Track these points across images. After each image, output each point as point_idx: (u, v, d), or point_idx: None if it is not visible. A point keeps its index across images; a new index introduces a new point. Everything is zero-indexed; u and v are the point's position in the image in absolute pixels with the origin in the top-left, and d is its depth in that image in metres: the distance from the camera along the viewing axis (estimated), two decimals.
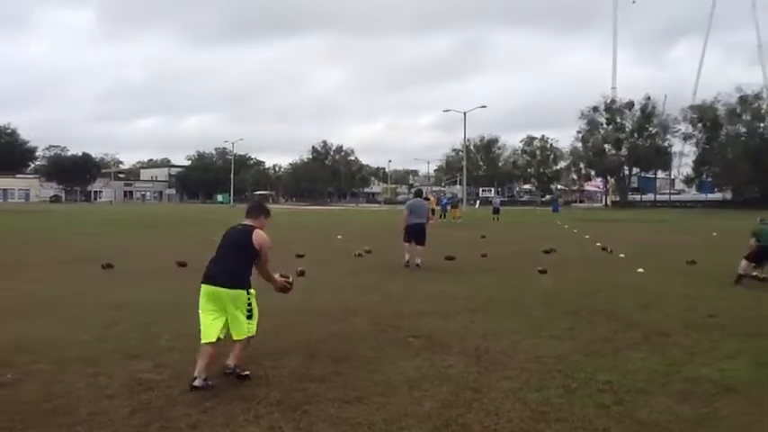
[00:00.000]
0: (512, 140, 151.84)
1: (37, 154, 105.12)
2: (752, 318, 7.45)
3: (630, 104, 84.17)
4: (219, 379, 4.68)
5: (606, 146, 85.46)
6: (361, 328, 6.80)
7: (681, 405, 4.31)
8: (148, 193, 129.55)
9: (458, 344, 6.02)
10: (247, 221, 5.13)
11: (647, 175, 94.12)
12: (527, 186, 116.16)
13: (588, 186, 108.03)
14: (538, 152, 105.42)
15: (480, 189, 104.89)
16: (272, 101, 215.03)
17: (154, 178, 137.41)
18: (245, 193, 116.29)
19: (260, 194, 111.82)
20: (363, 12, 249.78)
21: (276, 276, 5.27)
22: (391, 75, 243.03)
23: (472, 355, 5.62)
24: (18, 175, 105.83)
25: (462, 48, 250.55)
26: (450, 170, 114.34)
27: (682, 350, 5.85)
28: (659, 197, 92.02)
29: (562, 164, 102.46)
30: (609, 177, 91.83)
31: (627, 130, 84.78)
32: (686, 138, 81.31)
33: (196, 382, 4.53)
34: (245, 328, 4.80)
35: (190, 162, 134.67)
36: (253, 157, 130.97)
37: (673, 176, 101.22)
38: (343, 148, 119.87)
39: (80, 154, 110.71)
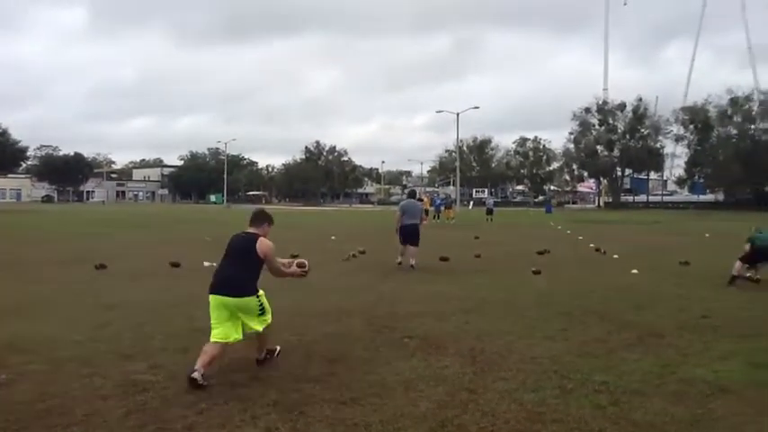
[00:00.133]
0: (504, 141, 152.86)
1: (28, 154, 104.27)
2: (745, 319, 7.49)
3: (622, 106, 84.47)
4: (215, 380, 4.67)
5: (598, 147, 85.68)
6: (355, 328, 6.80)
7: (676, 406, 4.33)
8: (141, 194, 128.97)
9: (453, 344, 6.03)
10: (251, 229, 5.21)
11: (640, 177, 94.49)
12: (520, 187, 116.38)
13: (581, 187, 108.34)
14: (531, 153, 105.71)
15: (473, 190, 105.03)
16: (264, 101, 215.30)
17: (146, 178, 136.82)
18: (238, 193, 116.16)
19: (253, 195, 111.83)
20: (357, 12, 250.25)
21: (291, 269, 5.46)
22: (385, 75, 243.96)
23: (467, 355, 5.63)
24: (9, 175, 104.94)
25: (456, 49, 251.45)
26: (443, 171, 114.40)
27: (675, 351, 5.87)
28: (652, 198, 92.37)
29: (555, 165, 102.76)
30: (601, 178, 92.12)
31: (619, 131, 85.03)
32: (678, 139, 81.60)
33: (195, 375, 4.50)
34: (260, 321, 5.01)
35: (182, 162, 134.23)
36: (246, 157, 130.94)
37: (665, 178, 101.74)
38: (337, 149, 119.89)
39: (72, 154, 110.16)
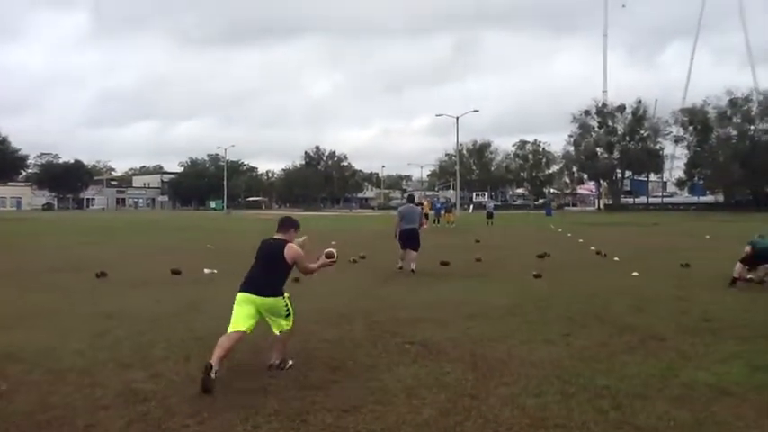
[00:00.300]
0: (504, 145, 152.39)
1: (28, 162, 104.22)
2: (746, 321, 7.46)
3: (622, 108, 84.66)
4: (216, 388, 4.65)
5: (598, 149, 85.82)
6: (356, 334, 6.78)
7: (678, 410, 4.32)
8: (141, 200, 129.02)
9: (454, 350, 6.02)
10: (278, 235, 5.53)
11: (640, 179, 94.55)
12: (520, 190, 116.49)
13: (581, 190, 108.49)
14: (530, 156, 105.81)
15: (474, 194, 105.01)
16: (264, 106, 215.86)
17: (146, 185, 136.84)
18: (238, 199, 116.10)
19: (252, 201, 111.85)
20: (355, 16, 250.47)
21: (320, 261, 5.69)
22: (384, 79, 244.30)
23: (469, 361, 5.62)
24: (10, 183, 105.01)
25: (455, 52, 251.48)
26: (443, 175, 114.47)
27: (677, 354, 5.86)
28: (652, 200, 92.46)
29: (555, 168, 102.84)
30: (601, 181, 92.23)
31: (618, 133, 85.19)
32: (677, 141, 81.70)
33: (211, 374, 4.63)
34: (284, 324, 5.29)
35: (182, 169, 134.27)
36: (245, 163, 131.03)
37: (665, 179, 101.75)
38: (336, 154, 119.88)
39: (72, 161, 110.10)
